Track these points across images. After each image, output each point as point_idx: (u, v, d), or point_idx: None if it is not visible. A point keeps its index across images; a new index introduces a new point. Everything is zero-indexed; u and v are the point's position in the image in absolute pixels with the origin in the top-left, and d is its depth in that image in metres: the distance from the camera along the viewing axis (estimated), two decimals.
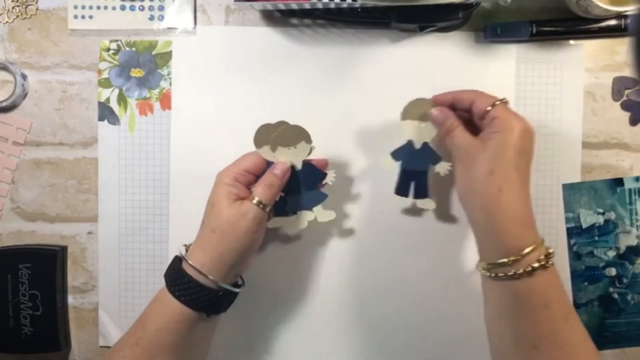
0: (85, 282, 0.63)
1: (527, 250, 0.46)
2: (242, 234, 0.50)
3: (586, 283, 0.60)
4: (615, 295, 0.60)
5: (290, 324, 0.62)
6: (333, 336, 0.62)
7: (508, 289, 0.47)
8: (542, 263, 0.45)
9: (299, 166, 0.54)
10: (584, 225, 0.60)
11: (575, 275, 0.60)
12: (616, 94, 0.60)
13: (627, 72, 0.59)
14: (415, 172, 0.56)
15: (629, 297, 0.60)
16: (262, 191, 0.51)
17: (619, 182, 0.60)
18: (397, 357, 0.61)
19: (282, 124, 0.53)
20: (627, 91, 0.60)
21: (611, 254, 0.60)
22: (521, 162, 0.48)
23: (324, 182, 0.56)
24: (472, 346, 0.60)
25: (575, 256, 0.60)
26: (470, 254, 0.60)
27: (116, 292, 0.62)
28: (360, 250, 0.61)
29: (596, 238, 0.60)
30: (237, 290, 0.53)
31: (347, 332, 0.61)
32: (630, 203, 0.59)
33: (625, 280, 0.59)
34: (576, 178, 0.60)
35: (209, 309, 0.51)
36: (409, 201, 0.57)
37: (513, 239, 0.47)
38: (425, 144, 0.56)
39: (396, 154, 0.56)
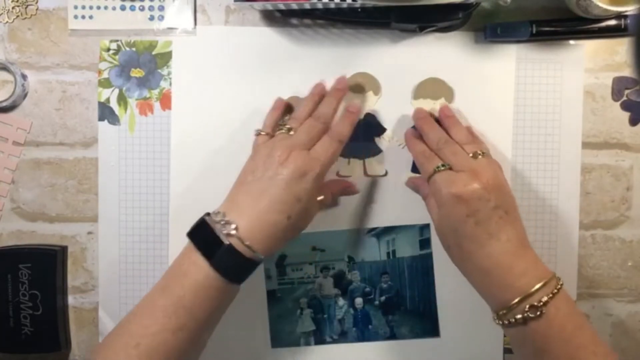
0: (85, 282, 0.63)
1: (513, 302, 0.46)
2: (305, 228, 0.53)
3: None
4: None
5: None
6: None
7: (510, 334, 0.49)
8: (527, 314, 0.46)
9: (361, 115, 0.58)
10: None
11: None
12: (616, 94, 0.60)
13: (627, 72, 0.59)
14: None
15: None
16: (328, 198, 0.56)
17: None
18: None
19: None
20: (627, 91, 0.60)
21: None
22: (468, 227, 0.48)
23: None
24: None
25: None
26: None
27: (116, 292, 0.62)
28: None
29: None
30: None
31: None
32: None
33: None
34: (576, 178, 0.60)
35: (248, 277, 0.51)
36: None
37: (492, 298, 0.49)
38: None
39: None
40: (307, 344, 0.61)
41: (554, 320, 0.46)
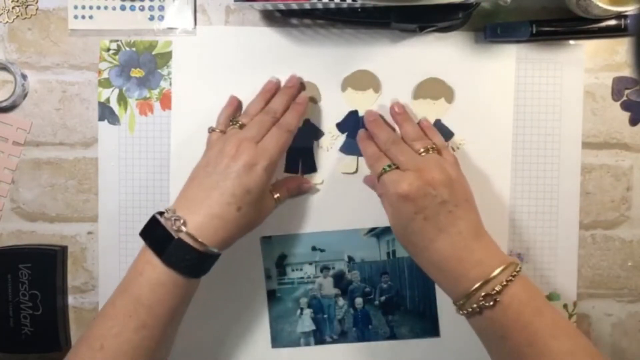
0: (85, 282, 0.63)
1: (470, 291, 0.47)
2: (262, 222, 0.55)
3: None
4: None
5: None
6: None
7: (471, 323, 0.49)
8: (482, 303, 0.46)
9: (362, 112, 0.60)
10: None
11: None
12: (616, 94, 0.60)
13: (627, 72, 0.59)
14: None
15: None
16: (283, 194, 0.57)
17: None
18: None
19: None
20: (627, 91, 0.60)
21: None
22: (416, 224, 0.49)
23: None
24: None
25: None
26: None
27: None
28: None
29: None
30: None
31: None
32: None
33: None
34: (576, 178, 0.60)
35: (208, 271, 0.52)
36: None
37: (449, 289, 0.50)
38: (437, 121, 0.60)
39: None
40: (307, 344, 0.61)
41: (509, 308, 0.46)
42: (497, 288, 0.46)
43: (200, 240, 0.48)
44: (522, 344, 0.46)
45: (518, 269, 0.47)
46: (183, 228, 0.48)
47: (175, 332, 0.53)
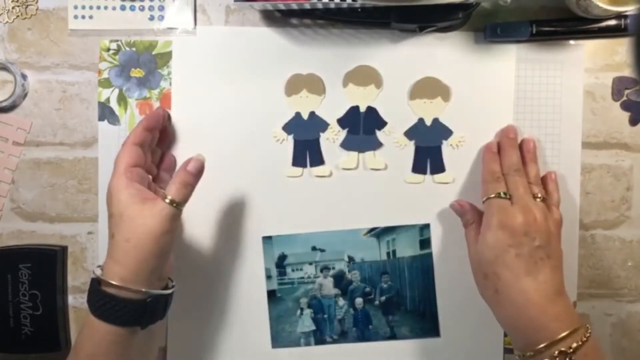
0: (85, 282, 0.63)
1: (540, 347, 0.47)
2: (159, 236, 0.49)
3: None
4: None
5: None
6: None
7: None
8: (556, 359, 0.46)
9: (363, 108, 0.59)
10: None
11: None
12: (616, 94, 0.60)
13: (627, 72, 0.59)
14: (429, 148, 0.59)
15: None
16: (175, 190, 0.50)
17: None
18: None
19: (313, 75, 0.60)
20: (627, 91, 0.60)
21: None
22: (508, 257, 0.50)
23: None
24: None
25: None
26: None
27: None
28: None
29: None
30: (168, 292, 0.52)
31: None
32: None
33: None
34: (576, 178, 0.60)
35: (141, 321, 0.50)
36: (425, 177, 0.60)
37: (520, 337, 0.49)
38: (435, 120, 0.60)
39: (409, 133, 0.60)
40: (307, 344, 0.62)
41: None
42: (574, 346, 0.46)
43: (103, 278, 0.48)
44: None
45: (590, 331, 0.48)
46: (98, 271, 0.50)
47: None
